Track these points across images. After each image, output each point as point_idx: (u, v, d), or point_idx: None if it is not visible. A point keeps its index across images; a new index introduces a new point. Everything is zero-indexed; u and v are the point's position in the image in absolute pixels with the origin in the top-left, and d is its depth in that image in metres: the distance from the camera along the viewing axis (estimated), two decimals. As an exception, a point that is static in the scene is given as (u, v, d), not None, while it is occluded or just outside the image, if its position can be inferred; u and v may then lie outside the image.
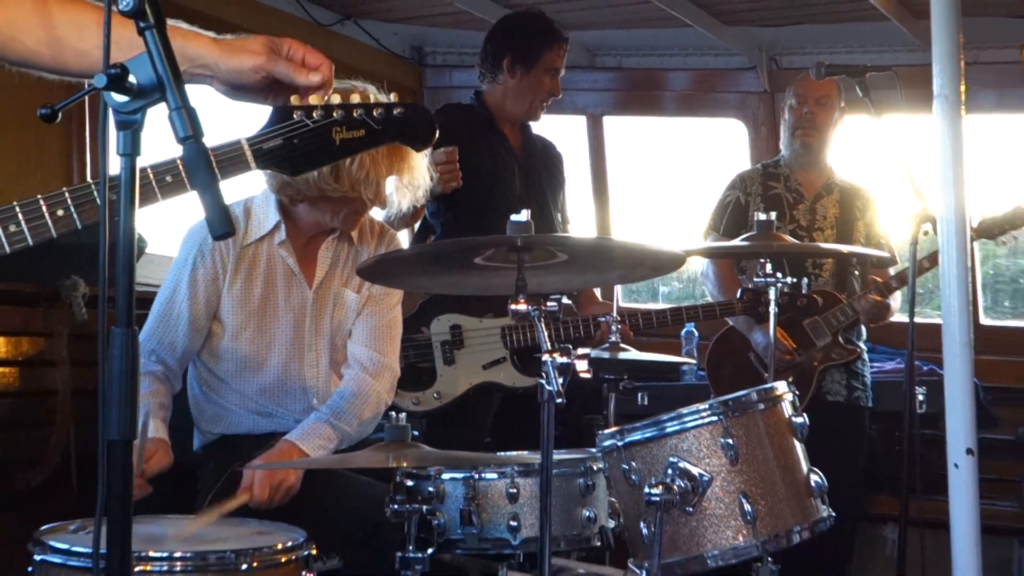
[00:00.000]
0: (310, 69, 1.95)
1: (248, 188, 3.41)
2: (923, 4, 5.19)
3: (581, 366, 2.27)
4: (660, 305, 6.35)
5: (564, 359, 2.23)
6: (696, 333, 5.60)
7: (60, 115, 1.41)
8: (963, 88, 2.99)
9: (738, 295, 4.24)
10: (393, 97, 2.00)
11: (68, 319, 3.93)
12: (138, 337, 1.40)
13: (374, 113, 1.91)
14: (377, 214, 3.59)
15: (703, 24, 5.57)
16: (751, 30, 5.79)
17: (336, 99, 1.91)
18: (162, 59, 1.37)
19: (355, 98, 1.93)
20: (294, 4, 5.64)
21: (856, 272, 4.85)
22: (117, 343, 1.38)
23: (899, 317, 4.98)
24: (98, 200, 1.71)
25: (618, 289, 3.83)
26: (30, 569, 2.52)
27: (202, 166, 1.35)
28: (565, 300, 4.44)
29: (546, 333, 2.27)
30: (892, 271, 4.82)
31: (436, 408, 4.09)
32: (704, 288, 5.11)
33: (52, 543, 2.47)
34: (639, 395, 3.86)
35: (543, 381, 2.22)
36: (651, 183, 6.71)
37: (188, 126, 1.35)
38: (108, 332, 1.41)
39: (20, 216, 1.82)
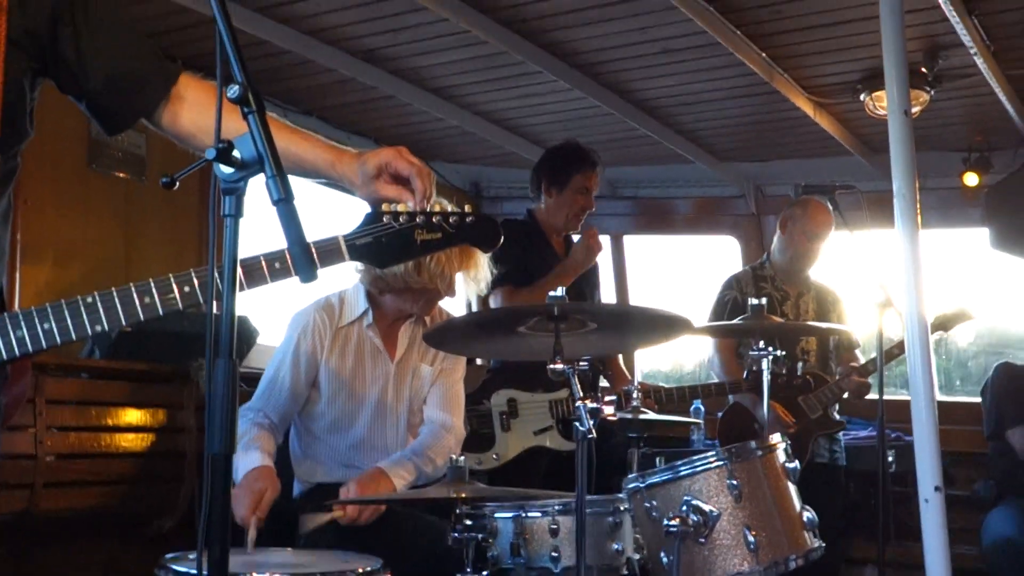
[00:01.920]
0: (411, 184, 1.93)
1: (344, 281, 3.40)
2: (880, 142, 5.18)
3: (608, 410, 2.17)
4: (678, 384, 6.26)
5: (594, 404, 2.13)
6: (702, 408, 5.46)
7: (178, 183, 1.36)
8: (918, 199, 2.93)
9: (745, 375, 4.17)
10: (467, 208, 1.96)
11: (195, 394, 3.89)
12: (237, 366, 1.33)
13: (450, 220, 1.87)
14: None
15: (702, 160, 5.57)
16: (741, 165, 5.77)
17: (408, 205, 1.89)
18: (262, 137, 1.33)
19: (435, 207, 1.90)
20: (377, 148, 5.68)
21: (835, 356, 4.74)
22: (220, 371, 1.31)
23: (869, 395, 4.87)
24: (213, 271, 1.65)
25: (642, 370, 3.78)
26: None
27: (292, 222, 1.30)
28: (603, 383, 4.38)
29: (579, 385, 2.17)
30: (861, 356, 4.71)
31: (495, 467, 4.03)
32: (711, 372, 5.00)
33: (174, 567, 2.38)
34: (656, 459, 3.78)
35: (577, 423, 2.12)
36: (664, 288, 6.64)
37: (281, 190, 1.30)
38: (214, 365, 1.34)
39: (154, 290, 1.77)
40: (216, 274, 1.48)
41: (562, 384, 4.03)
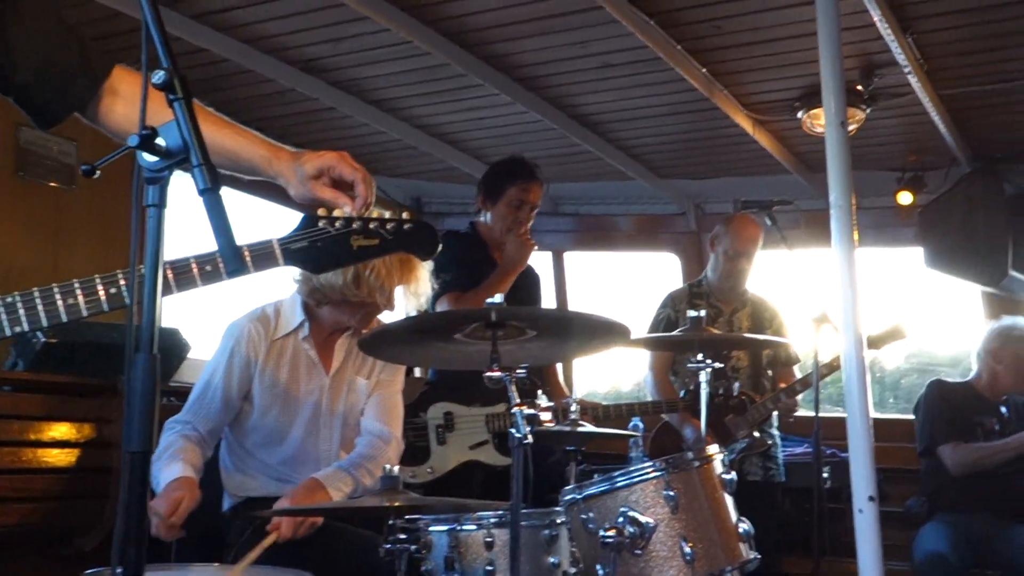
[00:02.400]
0: (349, 187, 1.90)
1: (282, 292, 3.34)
2: (817, 160, 5.26)
3: (545, 416, 2.14)
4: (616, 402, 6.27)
5: (530, 411, 2.10)
6: (641, 425, 5.45)
7: (99, 172, 1.31)
8: (854, 212, 2.96)
9: (682, 394, 4.17)
10: (405, 215, 1.93)
11: (123, 408, 3.77)
12: (157, 360, 1.28)
13: (387, 226, 1.84)
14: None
15: (643, 177, 5.60)
16: (681, 182, 5.82)
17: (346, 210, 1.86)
18: (188, 125, 1.29)
19: (372, 214, 1.87)
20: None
21: (769, 373, 4.77)
22: (140, 366, 1.26)
23: (803, 412, 4.91)
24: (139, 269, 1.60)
25: (579, 390, 3.76)
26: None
27: (218, 213, 1.25)
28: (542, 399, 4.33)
29: (515, 393, 2.14)
30: (798, 371, 4.75)
31: (429, 480, 3.97)
32: (645, 391, 5.00)
33: (93, 581, 2.29)
34: (595, 475, 3.76)
35: (512, 430, 2.09)
36: (604, 305, 6.66)
37: (208, 180, 1.26)
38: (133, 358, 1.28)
39: (78, 291, 1.72)
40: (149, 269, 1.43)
41: (500, 398, 4.03)
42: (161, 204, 1.29)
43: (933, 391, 4.86)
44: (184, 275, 1.71)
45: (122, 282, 1.71)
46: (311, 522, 2.84)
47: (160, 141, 1.29)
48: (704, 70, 4.26)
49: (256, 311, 3.21)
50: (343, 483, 2.99)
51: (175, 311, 4.75)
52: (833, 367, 4.29)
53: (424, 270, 3.10)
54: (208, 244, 1.68)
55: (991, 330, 4.85)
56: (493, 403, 4.07)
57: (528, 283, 4.50)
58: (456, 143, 5.39)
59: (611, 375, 7.14)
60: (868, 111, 4.41)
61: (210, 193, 1.26)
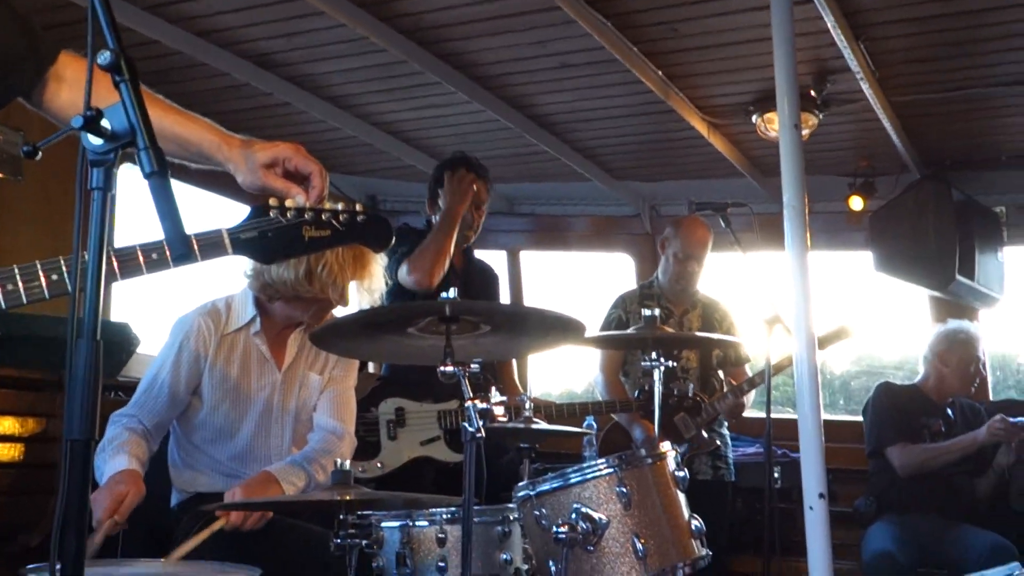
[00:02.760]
0: (304, 178, 1.87)
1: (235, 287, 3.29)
2: (771, 165, 5.30)
3: (498, 411, 2.13)
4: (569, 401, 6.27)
5: (483, 404, 2.09)
6: (595, 425, 5.46)
7: (40, 153, 1.28)
8: (807, 212, 2.98)
9: (636, 394, 4.18)
10: (358, 207, 1.90)
11: (68, 399, 3.70)
12: (99, 347, 1.24)
13: (340, 217, 1.82)
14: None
15: (599, 178, 5.61)
16: (636, 184, 5.84)
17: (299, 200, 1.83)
18: (134, 108, 1.26)
19: (324, 205, 1.84)
20: (271, 156, 5.57)
21: (720, 374, 4.80)
22: (81, 352, 1.23)
23: (754, 412, 4.94)
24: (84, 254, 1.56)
25: (533, 389, 3.73)
26: (15, 606, 2.28)
27: (165, 197, 1.22)
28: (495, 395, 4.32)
29: (468, 387, 2.13)
30: (749, 371, 4.78)
31: (379, 475, 3.94)
32: (596, 392, 5.01)
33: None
34: (548, 473, 3.75)
35: (465, 423, 2.07)
36: (559, 304, 6.64)
37: (155, 163, 1.23)
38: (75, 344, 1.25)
39: (18, 277, 1.67)
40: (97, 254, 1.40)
41: (452, 395, 4.02)
42: (107, 188, 1.26)
43: (881, 393, 4.92)
44: (129, 262, 1.68)
45: (64, 269, 1.67)
46: (260, 515, 2.80)
47: (105, 123, 1.26)
48: (660, 73, 4.28)
49: (206, 305, 3.16)
50: (296, 477, 2.96)
51: (124, 305, 4.67)
52: (782, 366, 4.32)
53: (378, 266, 3.07)
54: (157, 234, 1.65)
55: (938, 333, 4.92)
56: (445, 399, 4.06)
57: (485, 281, 4.49)
58: (412, 141, 5.36)
59: (565, 376, 7.16)
60: (821, 116, 4.45)
61: (157, 177, 1.23)
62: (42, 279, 1.67)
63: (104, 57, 1.25)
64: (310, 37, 4.12)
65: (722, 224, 4.14)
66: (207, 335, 3.08)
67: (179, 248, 1.22)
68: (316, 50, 4.25)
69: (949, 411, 4.85)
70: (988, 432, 4.54)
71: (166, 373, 3.03)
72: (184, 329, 3.10)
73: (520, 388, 4.46)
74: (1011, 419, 4.53)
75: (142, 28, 3.92)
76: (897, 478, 4.70)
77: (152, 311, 4.38)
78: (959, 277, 4.96)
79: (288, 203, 1.80)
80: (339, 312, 3.33)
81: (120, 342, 3.93)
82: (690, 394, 4.12)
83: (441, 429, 4.06)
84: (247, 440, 3.13)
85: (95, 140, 1.26)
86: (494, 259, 6.19)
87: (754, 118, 4.62)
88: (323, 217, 1.80)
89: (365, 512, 2.65)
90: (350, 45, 4.15)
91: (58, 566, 1.22)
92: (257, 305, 3.15)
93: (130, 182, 4.19)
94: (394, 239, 1.92)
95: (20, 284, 1.67)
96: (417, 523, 2.69)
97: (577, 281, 6.66)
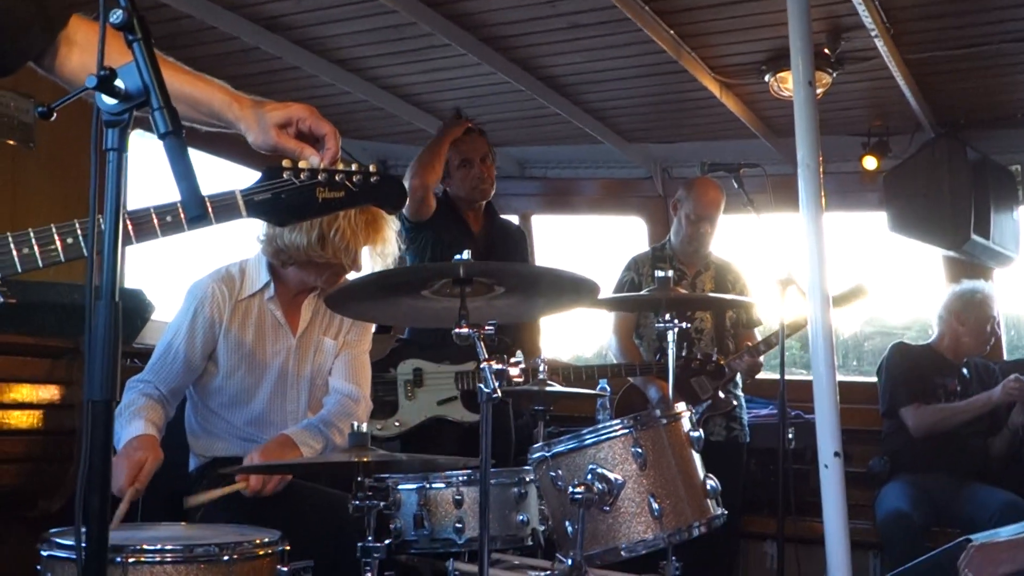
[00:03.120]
0: (317, 140, 1.86)
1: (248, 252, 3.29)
2: (784, 125, 5.26)
3: (514, 372, 2.13)
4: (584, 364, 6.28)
5: (499, 365, 2.09)
6: (608, 388, 5.46)
7: (55, 114, 1.27)
8: (821, 172, 2.96)
9: (657, 357, 4.20)
10: (372, 168, 1.89)
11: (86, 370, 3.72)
12: (119, 307, 1.24)
13: (353, 178, 1.80)
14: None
15: (610, 140, 5.57)
16: (648, 146, 5.80)
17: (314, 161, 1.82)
18: (147, 67, 1.25)
19: (339, 165, 1.83)
20: (281, 122, 5.55)
21: (732, 334, 4.79)
22: (100, 314, 1.22)
23: (768, 374, 4.94)
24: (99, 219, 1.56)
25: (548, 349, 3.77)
26: (39, 567, 2.30)
27: (179, 157, 1.22)
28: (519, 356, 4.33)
29: (484, 349, 2.12)
30: (758, 334, 4.77)
31: (396, 434, 4.01)
32: (609, 355, 5.01)
33: (57, 540, 2.26)
34: (564, 436, 3.77)
35: (481, 385, 2.07)
36: (572, 267, 6.64)
37: (169, 123, 1.22)
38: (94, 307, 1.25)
39: (33, 241, 1.67)
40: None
41: (469, 357, 4.06)
42: (121, 148, 1.25)
43: (895, 354, 4.92)
44: (144, 225, 1.67)
45: (80, 232, 1.66)
46: (280, 478, 2.81)
47: (119, 83, 1.25)
48: (672, 32, 4.23)
49: (220, 271, 3.17)
50: (313, 440, 2.97)
51: (138, 272, 4.68)
52: (798, 327, 4.31)
53: (391, 230, 3.06)
54: (171, 197, 1.64)
55: (953, 293, 4.90)
56: (463, 361, 4.12)
57: (510, 240, 4.54)
58: (422, 104, 5.33)
59: (574, 340, 7.15)
60: (834, 75, 4.40)
61: (171, 136, 1.22)
62: (57, 242, 1.67)
63: (116, 16, 1.24)
64: (319, -1, 4.08)
65: (735, 185, 4.12)
66: (221, 301, 3.09)
67: (194, 209, 1.22)
68: (325, 12, 4.21)
69: (964, 371, 4.85)
70: (1003, 392, 4.53)
71: (181, 339, 3.04)
72: (198, 295, 3.10)
73: (536, 349, 4.50)
74: None
75: (150, -8, 3.89)
76: (911, 438, 4.70)
77: (166, 277, 4.39)
78: (974, 236, 4.92)
79: (301, 164, 1.79)
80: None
81: (135, 309, 3.93)
82: (714, 358, 4.15)
83: (458, 390, 4.13)
84: (263, 405, 3.14)
85: (109, 100, 1.25)
86: (507, 223, 6.21)
87: (767, 77, 4.58)
88: (336, 178, 1.79)
89: (382, 475, 2.67)
90: (359, 7, 4.11)
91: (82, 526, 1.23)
92: (270, 270, 3.15)
93: (139, 150, 4.19)
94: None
95: (36, 247, 1.66)
96: (434, 485, 2.71)
97: (589, 244, 6.64)
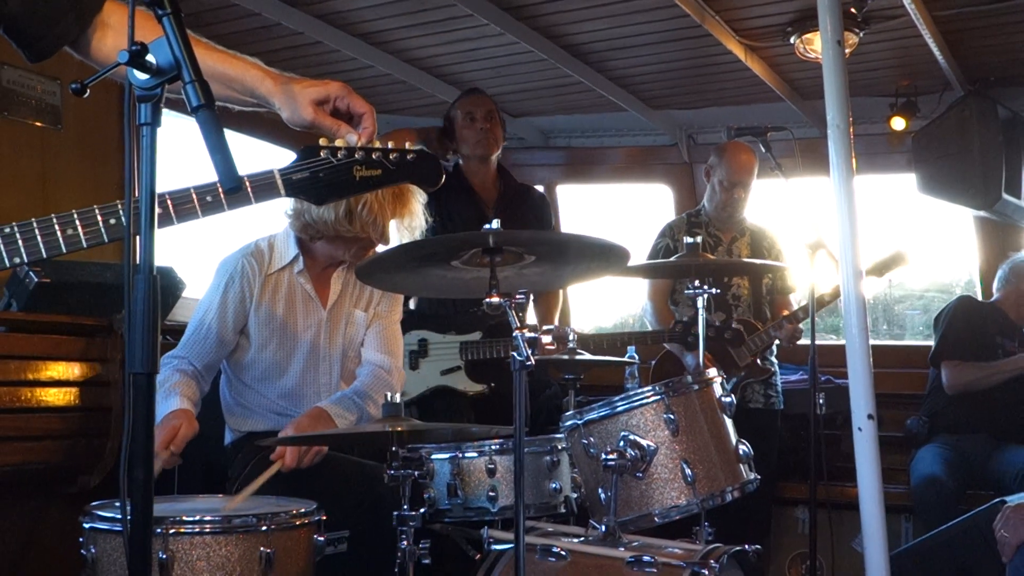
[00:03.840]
0: (355, 118, 1.86)
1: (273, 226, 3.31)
2: (810, 87, 5.21)
3: (546, 339, 2.13)
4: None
5: (532, 333, 2.09)
6: (637, 357, 5.46)
7: (88, 90, 1.28)
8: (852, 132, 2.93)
9: (672, 325, 4.17)
10: (407, 144, 1.90)
11: (120, 346, 3.76)
12: (157, 281, 1.26)
13: (390, 156, 1.81)
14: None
15: (635, 108, 5.53)
16: (673, 112, 5.76)
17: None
18: (178, 41, 1.25)
19: (376, 143, 1.84)
20: (306, 97, 5.55)
21: (768, 300, 4.78)
22: (140, 287, 1.24)
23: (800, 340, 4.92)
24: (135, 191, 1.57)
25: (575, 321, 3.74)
26: (81, 540, 2.35)
27: (213, 130, 1.22)
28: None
29: (516, 317, 2.13)
30: (794, 301, 4.75)
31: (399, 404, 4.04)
32: (645, 320, 5.01)
33: (99, 512, 2.30)
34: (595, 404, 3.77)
35: (515, 353, 2.08)
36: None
37: (201, 96, 1.23)
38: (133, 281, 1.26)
39: (77, 222, 1.69)
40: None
41: (474, 327, 4.08)
42: (155, 123, 1.26)
43: (958, 306, 4.90)
44: (184, 205, 1.68)
45: (121, 211, 1.67)
46: (316, 451, 2.84)
47: (150, 58, 1.25)
48: (696, -5, 4.19)
49: (249, 246, 3.19)
50: (348, 411, 3.00)
51: (168, 250, 4.71)
52: (833, 296, 4.31)
53: (418, 203, 3.07)
54: (207, 176, 1.65)
55: (1019, 258, 4.88)
56: (468, 331, 4.13)
57: (525, 208, 4.51)
58: (445, 76, 5.31)
59: (596, 311, 7.15)
60: (861, 35, 4.35)
61: (204, 110, 1.23)
62: (100, 223, 1.68)
63: (146, -8, 1.24)
64: (340, -27, 4.07)
65: (762, 150, 4.09)
66: (251, 275, 3.12)
67: (230, 181, 1.23)
68: (346, -15, 4.21)
69: None
70: None
71: (213, 314, 3.07)
72: (228, 270, 3.13)
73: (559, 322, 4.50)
74: None
75: (171, -30, 3.89)
76: (951, 398, 4.68)
77: (195, 255, 4.41)
78: (1005, 196, 4.87)
79: (338, 142, 1.80)
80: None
81: (166, 286, 3.97)
82: (733, 325, 4.10)
83: (462, 359, 4.12)
84: (296, 378, 3.17)
85: (141, 75, 1.26)
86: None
87: (792, 39, 4.52)
88: (373, 156, 1.80)
89: (415, 445, 2.69)
90: (380, -20, 4.11)
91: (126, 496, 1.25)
92: (299, 244, 3.17)
93: (171, 130, 4.21)
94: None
95: (80, 228, 1.68)
96: (467, 454, 2.73)
97: (615, 213, 6.62)
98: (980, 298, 5.29)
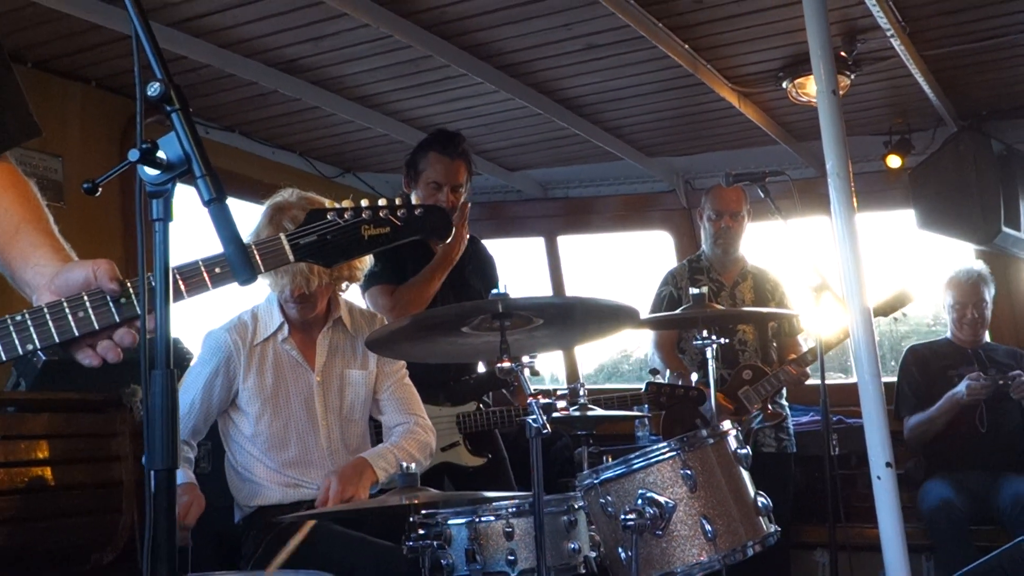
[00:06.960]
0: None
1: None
2: (805, 129, 5.24)
3: (561, 404, 2.12)
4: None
5: (546, 400, 2.08)
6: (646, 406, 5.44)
7: (100, 189, 1.28)
8: (852, 179, 2.94)
9: (643, 388, 4.01)
10: (413, 199, 1.88)
11: (130, 420, 3.75)
12: (175, 377, 1.25)
13: (398, 213, 1.79)
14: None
15: (631, 156, 5.57)
16: (669, 159, 5.79)
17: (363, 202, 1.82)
18: (187, 136, 1.26)
19: (382, 202, 1.82)
20: (303, 161, 5.60)
21: (774, 345, 4.77)
22: (157, 383, 1.23)
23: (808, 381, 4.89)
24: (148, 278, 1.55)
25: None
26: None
27: (225, 223, 1.23)
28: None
29: (528, 382, 2.12)
30: (802, 343, 4.74)
31: None
32: (654, 365, 4.98)
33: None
34: (604, 457, 3.72)
35: (530, 420, 2.06)
36: (601, 286, 6.64)
37: (213, 190, 1.23)
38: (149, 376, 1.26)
39: (88, 304, 1.68)
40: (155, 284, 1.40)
41: (468, 397, 3.95)
42: (167, 218, 1.26)
43: (906, 358, 4.93)
44: (193, 279, 1.67)
45: (133, 292, 1.66)
46: (353, 494, 2.88)
47: (161, 154, 1.26)
48: (687, 46, 4.23)
49: (233, 320, 3.20)
50: (387, 463, 3.03)
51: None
52: (839, 339, 4.31)
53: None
54: (210, 246, 1.65)
55: (950, 275, 4.88)
56: (462, 402, 3.93)
57: (478, 265, 4.17)
58: (442, 134, 5.34)
59: (596, 349, 7.10)
60: (852, 77, 4.38)
61: (216, 203, 1.23)
62: (111, 304, 1.67)
63: (154, 88, 1.25)
64: (335, 40, 4.11)
65: (760, 194, 4.10)
66: (236, 350, 3.13)
67: (244, 273, 1.23)
68: (342, 52, 4.25)
69: (981, 353, 4.78)
70: (968, 391, 4.50)
71: (198, 391, 3.11)
72: (211, 347, 3.16)
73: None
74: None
75: (168, 45, 3.93)
76: (946, 438, 4.65)
77: (197, 324, 4.41)
78: (1005, 229, 4.88)
79: (345, 203, 1.79)
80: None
81: (175, 358, 3.96)
82: (693, 385, 4.06)
83: (460, 434, 3.90)
84: (297, 446, 3.14)
85: (152, 172, 1.26)
86: (531, 245, 6.21)
87: (785, 84, 4.56)
88: (381, 214, 1.78)
89: (431, 511, 2.66)
90: (374, 44, 4.15)
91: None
92: (282, 312, 3.18)
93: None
94: None
95: (91, 311, 1.67)
96: (483, 518, 2.69)
97: (617, 261, 6.63)
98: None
